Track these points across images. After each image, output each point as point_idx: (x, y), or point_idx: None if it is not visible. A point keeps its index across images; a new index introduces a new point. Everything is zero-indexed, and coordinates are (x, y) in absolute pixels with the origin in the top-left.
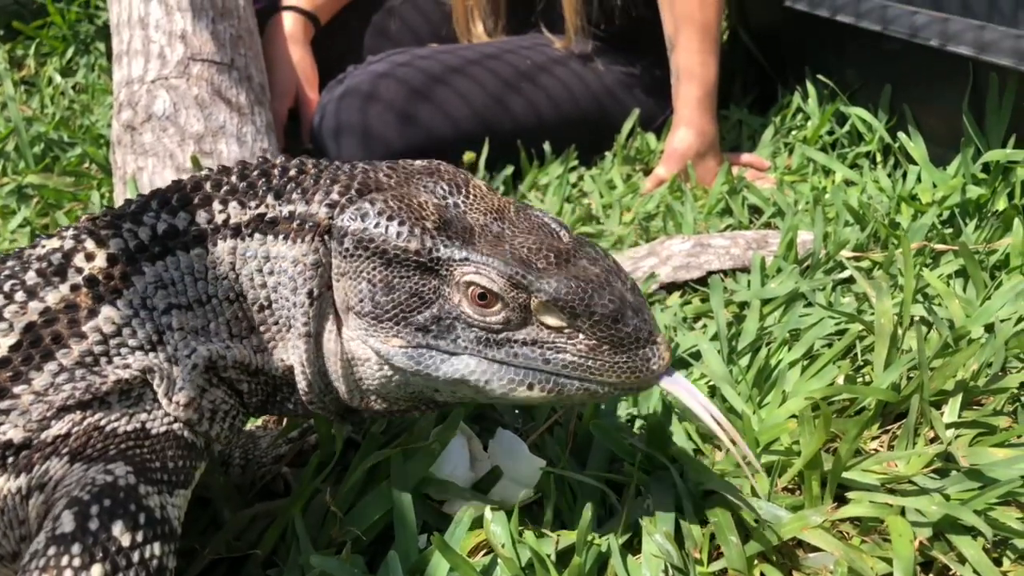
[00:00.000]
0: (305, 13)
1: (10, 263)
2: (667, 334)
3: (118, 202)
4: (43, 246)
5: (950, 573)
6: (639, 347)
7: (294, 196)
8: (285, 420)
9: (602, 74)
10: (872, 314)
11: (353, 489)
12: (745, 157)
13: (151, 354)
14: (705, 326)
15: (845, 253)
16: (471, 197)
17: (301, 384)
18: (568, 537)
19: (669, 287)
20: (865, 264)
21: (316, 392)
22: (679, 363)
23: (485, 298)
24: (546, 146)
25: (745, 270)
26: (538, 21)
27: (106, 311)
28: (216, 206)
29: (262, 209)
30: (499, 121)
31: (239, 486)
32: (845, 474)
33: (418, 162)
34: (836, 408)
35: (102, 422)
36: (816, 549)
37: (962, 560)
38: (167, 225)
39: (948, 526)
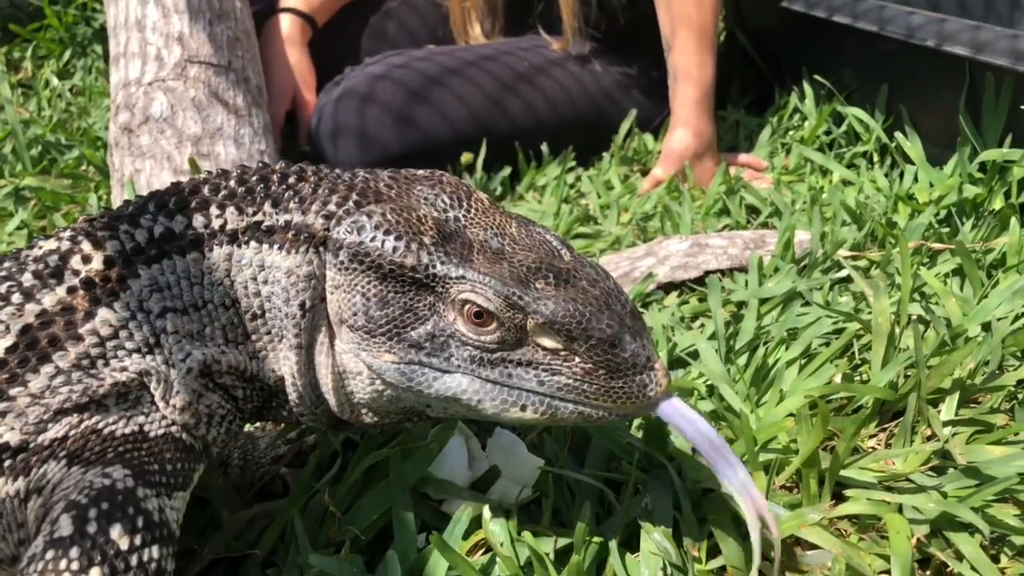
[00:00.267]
0: (302, 15)
1: (7, 264)
2: (665, 334)
3: (116, 204)
4: (40, 247)
5: (948, 570)
6: (636, 373)
7: (291, 205)
8: None
9: (599, 75)
10: (869, 313)
11: (352, 489)
12: (743, 157)
13: (148, 357)
14: (703, 325)
15: (842, 252)
16: (472, 211)
17: (292, 395)
18: (567, 536)
19: (667, 287)
20: (862, 263)
21: (307, 404)
22: (677, 363)
23: (481, 317)
24: (544, 147)
25: (743, 270)
26: (535, 23)
27: (103, 314)
28: (214, 211)
29: (259, 217)
30: (496, 122)
31: (238, 487)
32: (843, 472)
33: (421, 172)
34: (834, 407)
35: (100, 425)
36: (814, 547)
37: (960, 557)
38: (164, 228)
39: (946, 523)
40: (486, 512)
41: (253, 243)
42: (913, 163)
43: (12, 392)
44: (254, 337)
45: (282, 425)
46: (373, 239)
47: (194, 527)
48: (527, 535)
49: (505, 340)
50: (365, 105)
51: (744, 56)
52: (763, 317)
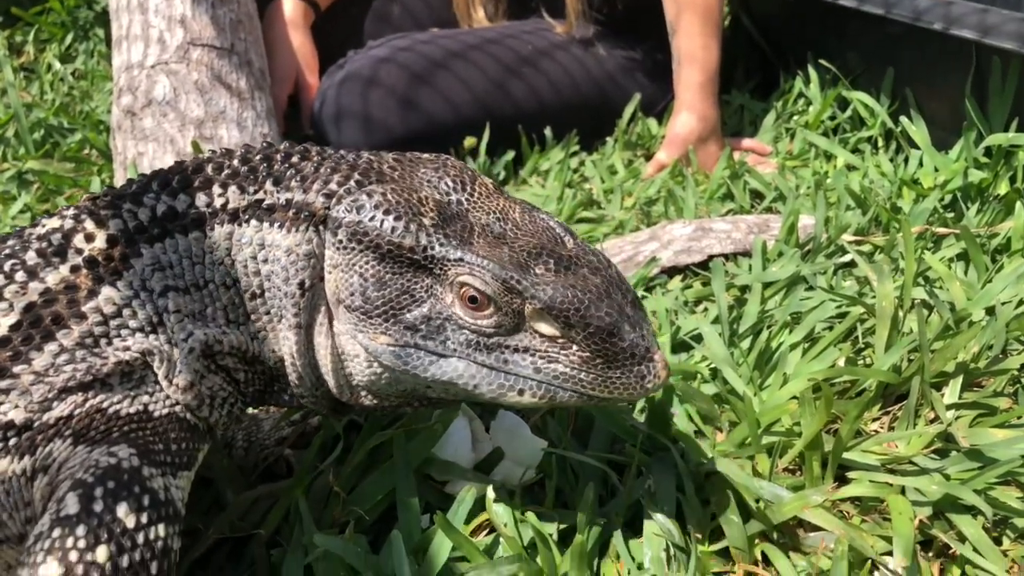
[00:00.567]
0: None
1: (11, 242)
2: (668, 317)
3: None
4: (43, 226)
5: (950, 552)
6: (634, 363)
7: (292, 184)
8: None
9: (603, 59)
10: (873, 297)
11: (356, 470)
12: (747, 142)
13: (151, 336)
14: (706, 309)
15: (846, 237)
16: (476, 195)
17: (291, 376)
18: (570, 517)
19: (670, 271)
20: (866, 248)
21: (307, 386)
22: (680, 346)
23: (477, 301)
24: (547, 131)
25: (746, 254)
26: (539, 6)
27: (106, 292)
28: (216, 189)
29: (260, 195)
30: (500, 106)
31: (242, 468)
32: (846, 455)
33: (426, 156)
34: (837, 390)
35: (104, 404)
36: (817, 528)
37: (962, 539)
38: (166, 207)
39: (948, 505)
40: (490, 493)
41: (253, 221)
42: (918, 148)
43: (16, 370)
44: (253, 317)
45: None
46: (372, 218)
47: (199, 507)
48: (531, 516)
49: (502, 325)
50: (369, 88)
51: (749, 40)
52: (767, 301)
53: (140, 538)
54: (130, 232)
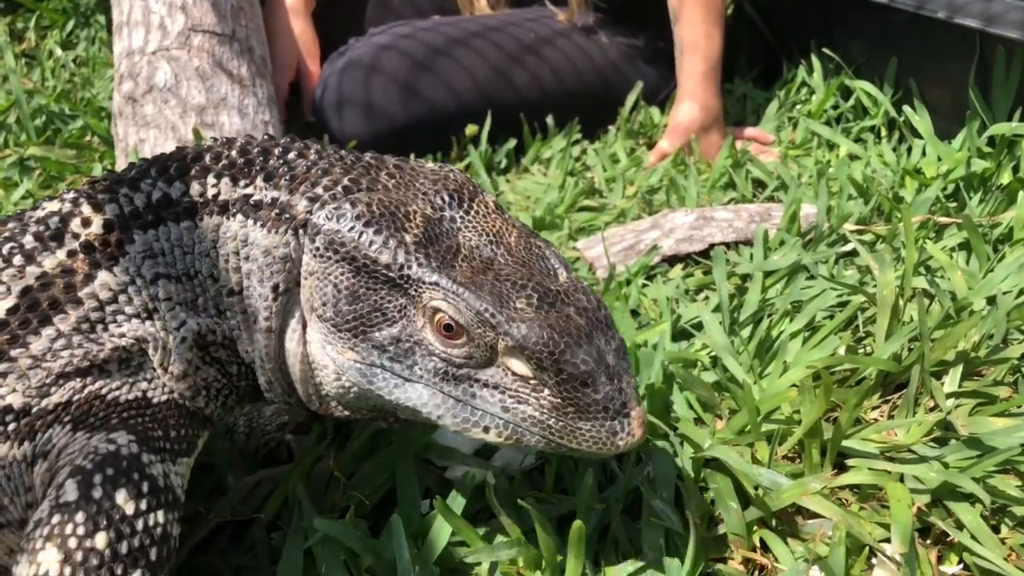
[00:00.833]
0: None
1: (11, 225)
2: (669, 305)
3: None
4: (43, 209)
5: (948, 539)
6: (607, 418)
7: (282, 182)
8: None
9: (606, 47)
10: (874, 286)
11: (356, 455)
12: (749, 131)
13: (147, 323)
14: (707, 298)
15: (848, 226)
16: (471, 213)
17: (261, 380)
18: (569, 503)
19: (672, 259)
20: (868, 237)
21: (277, 391)
22: (681, 334)
23: (451, 329)
24: (549, 119)
25: (748, 243)
26: None
27: (102, 277)
28: (210, 179)
29: (250, 190)
30: (502, 94)
31: (243, 453)
32: (845, 442)
33: (430, 165)
34: (837, 378)
35: (103, 390)
36: (815, 515)
37: (960, 526)
38: (161, 194)
39: (947, 493)
40: (489, 478)
41: (240, 216)
42: (921, 137)
43: (13, 353)
44: (229, 314)
45: None
46: (351, 229)
47: (200, 492)
48: (530, 502)
49: (473, 357)
50: (370, 76)
51: (752, 28)
52: (768, 290)
53: (139, 524)
54: (125, 217)
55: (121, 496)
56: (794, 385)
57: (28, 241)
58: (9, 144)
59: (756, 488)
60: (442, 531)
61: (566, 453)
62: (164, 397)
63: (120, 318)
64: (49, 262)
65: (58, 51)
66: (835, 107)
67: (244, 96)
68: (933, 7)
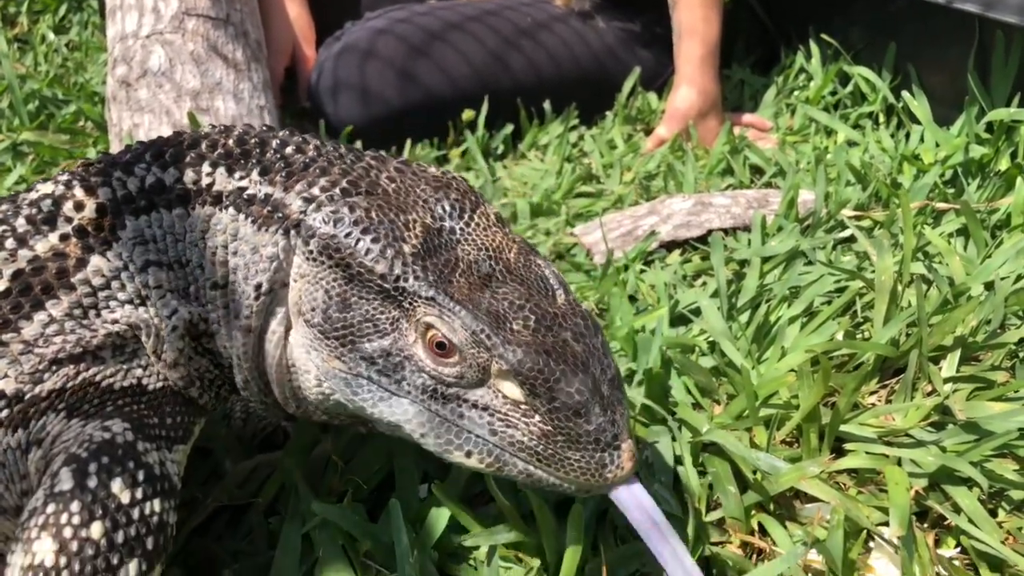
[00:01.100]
0: None
1: (4, 207)
2: (667, 291)
3: None
4: (37, 191)
5: (945, 523)
6: (597, 450)
7: (277, 178)
8: None
9: (603, 32)
10: (872, 272)
11: (354, 439)
12: (747, 117)
13: (140, 309)
14: (705, 283)
15: (846, 212)
16: (472, 225)
17: (237, 378)
18: None
19: (669, 245)
20: (866, 223)
21: (253, 391)
22: (679, 320)
23: (444, 347)
24: (546, 105)
25: (746, 229)
26: None
27: (95, 262)
28: (205, 168)
29: (244, 183)
30: (499, 79)
31: (240, 438)
32: (843, 427)
33: (432, 170)
34: (835, 363)
35: (97, 377)
36: (813, 499)
37: (957, 510)
38: (155, 179)
39: (944, 477)
40: None
41: (231, 209)
42: (920, 123)
43: (5, 338)
44: (209, 307)
45: None
46: (348, 235)
47: (197, 477)
48: None
49: (464, 376)
50: (366, 60)
51: (750, 14)
52: (765, 275)
53: (135, 514)
54: (117, 202)
55: (117, 485)
56: (792, 370)
57: (20, 224)
58: (2, 129)
59: (754, 472)
60: (440, 515)
61: (548, 488)
62: (159, 384)
63: (113, 304)
64: (41, 246)
65: (51, 36)
66: (833, 93)
67: (239, 81)
68: None
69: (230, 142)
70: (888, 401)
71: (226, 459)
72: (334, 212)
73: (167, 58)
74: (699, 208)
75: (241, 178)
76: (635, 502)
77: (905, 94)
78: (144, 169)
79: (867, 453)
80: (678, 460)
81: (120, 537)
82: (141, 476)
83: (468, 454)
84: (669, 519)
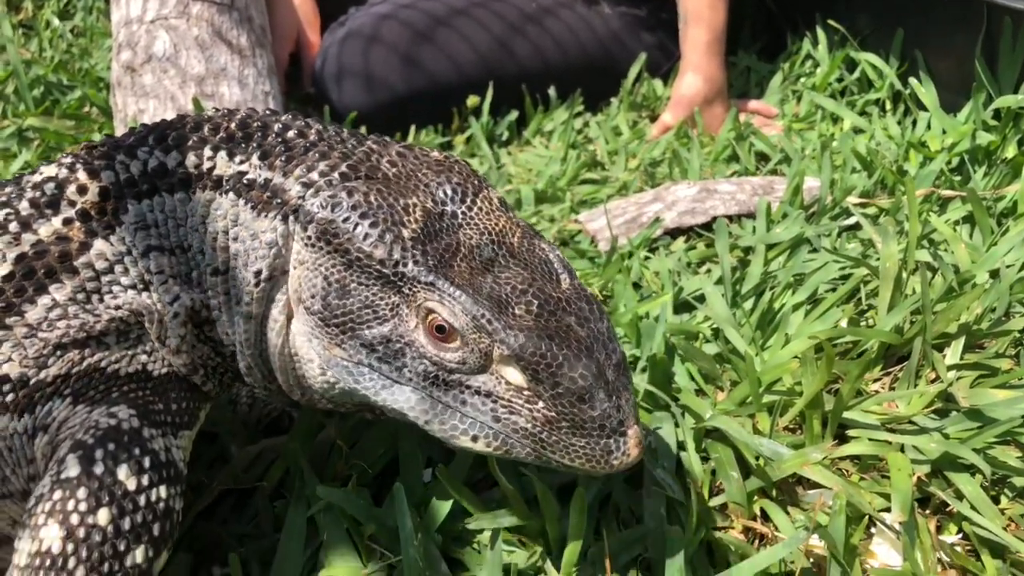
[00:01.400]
0: None
1: (8, 190)
2: (671, 278)
3: None
4: (40, 173)
5: (948, 509)
6: (603, 436)
7: (277, 162)
8: None
9: (608, 18)
10: (877, 259)
11: (359, 424)
12: (753, 104)
13: (144, 294)
14: (709, 270)
15: (851, 199)
16: (475, 210)
17: (241, 365)
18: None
19: (674, 232)
20: (871, 211)
21: (257, 377)
22: (683, 306)
23: (444, 332)
24: (551, 91)
25: (750, 216)
26: None
27: (98, 246)
28: (207, 152)
29: (245, 167)
30: (504, 65)
31: (245, 422)
32: (846, 414)
33: (435, 154)
34: (839, 350)
35: (102, 363)
36: (816, 485)
37: (960, 497)
38: (158, 163)
39: (947, 464)
40: None
41: (231, 194)
42: (927, 110)
43: (9, 321)
44: (210, 293)
45: None
46: (346, 219)
47: (203, 461)
48: (532, 470)
49: (466, 362)
50: (371, 46)
51: (756, 0)
52: (770, 262)
53: (142, 500)
54: (120, 185)
55: (123, 472)
56: (796, 357)
57: (24, 207)
58: (7, 115)
59: (757, 458)
60: (444, 499)
61: (556, 468)
62: (164, 370)
63: (116, 289)
64: (45, 229)
65: (55, 21)
66: (840, 80)
67: (244, 66)
68: None
69: (232, 125)
70: (891, 388)
71: (231, 443)
72: (332, 197)
73: (172, 43)
74: (704, 195)
75: (241, 162)
76: None
77: (912, 80)
78: (147, 152)
79: (870, 440)
80: (681, 446)
81: (127, 524)
82: (147, 463)
83: (474, 439)
84: (672, 504)
